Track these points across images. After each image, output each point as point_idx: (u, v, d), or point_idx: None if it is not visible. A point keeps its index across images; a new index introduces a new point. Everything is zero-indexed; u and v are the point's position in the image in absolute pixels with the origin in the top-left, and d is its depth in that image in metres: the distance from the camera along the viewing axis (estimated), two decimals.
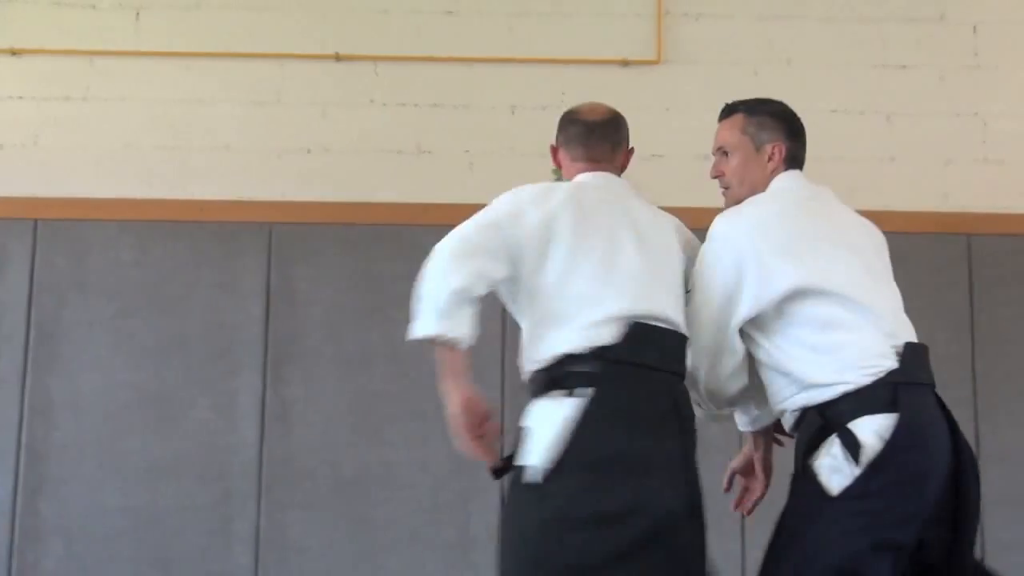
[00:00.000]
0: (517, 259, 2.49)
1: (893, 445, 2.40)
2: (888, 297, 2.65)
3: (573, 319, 2.46)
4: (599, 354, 2.43)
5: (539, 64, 4.84)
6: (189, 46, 4.86)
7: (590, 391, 2.41)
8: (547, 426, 2.41)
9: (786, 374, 2.54)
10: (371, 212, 4.75)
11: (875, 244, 2.76)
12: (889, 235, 4.84)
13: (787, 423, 2.64)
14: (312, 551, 4.58)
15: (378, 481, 4.62)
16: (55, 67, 4.85)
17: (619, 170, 2.81)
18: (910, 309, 4.92)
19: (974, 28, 4.93)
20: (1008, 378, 4.67)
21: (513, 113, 4.83)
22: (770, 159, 2.70)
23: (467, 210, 4.68)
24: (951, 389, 4.64)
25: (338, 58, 4.84)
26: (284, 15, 4.90)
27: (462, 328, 2.40)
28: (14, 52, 4.84)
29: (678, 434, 2.49)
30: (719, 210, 2.71)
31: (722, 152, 2.76)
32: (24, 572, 4.52)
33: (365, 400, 4.65)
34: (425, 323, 2.40)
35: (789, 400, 2.56)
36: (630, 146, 2.84)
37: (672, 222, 2.74)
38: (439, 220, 4.73)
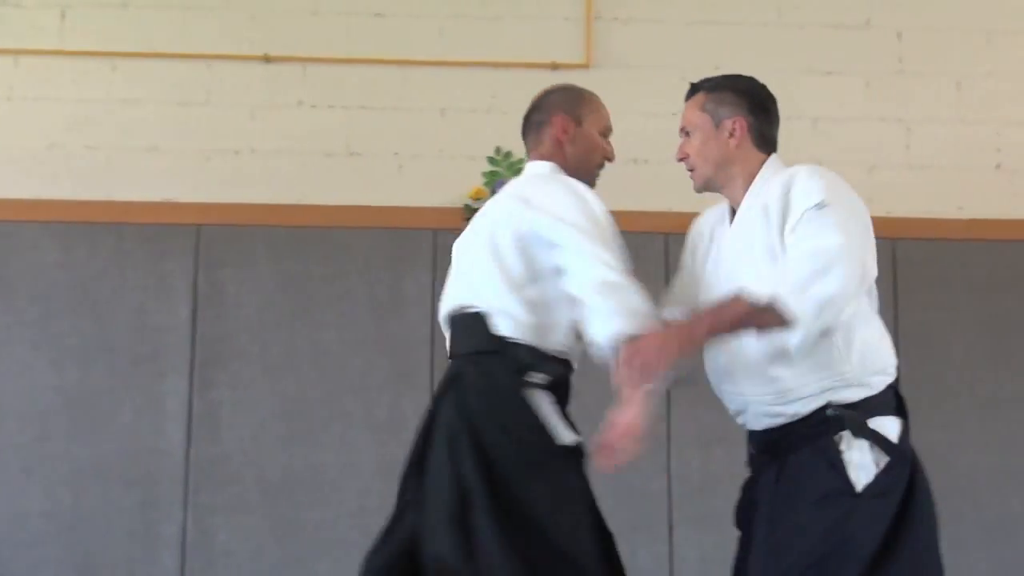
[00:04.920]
0: None
1: (903, 449, 2.42)
2: None
3: None
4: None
5: (472, 68, 4.86)
6: (116, 46, 4.81)
7: None
8: None
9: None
10: (300, 214, 4.73)
11: None
12: None
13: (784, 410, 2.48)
14: (239, 555, 4.55)
15: (306, 485, 4.60)
16: None
17: (551, 146, 2.78)
18: None
19: (899, 35, 4.99)
20: (932, 380, 4.71)
21: (443, 116, 4.84)
22: (731, 135, 2.60)
23: (398, 213, 4.74)
24: None
25: (267, 59, 4.81)
26: (212, 15, 4.86)
27: None
28: None
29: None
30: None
31: (684, 133, 2.67)
32: None
33: (292, 403, 4.62)
34: None
35: (817, 384, 2.44)
36: (555, 115, 2.80)
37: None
38: (367, 223, 4.76)
